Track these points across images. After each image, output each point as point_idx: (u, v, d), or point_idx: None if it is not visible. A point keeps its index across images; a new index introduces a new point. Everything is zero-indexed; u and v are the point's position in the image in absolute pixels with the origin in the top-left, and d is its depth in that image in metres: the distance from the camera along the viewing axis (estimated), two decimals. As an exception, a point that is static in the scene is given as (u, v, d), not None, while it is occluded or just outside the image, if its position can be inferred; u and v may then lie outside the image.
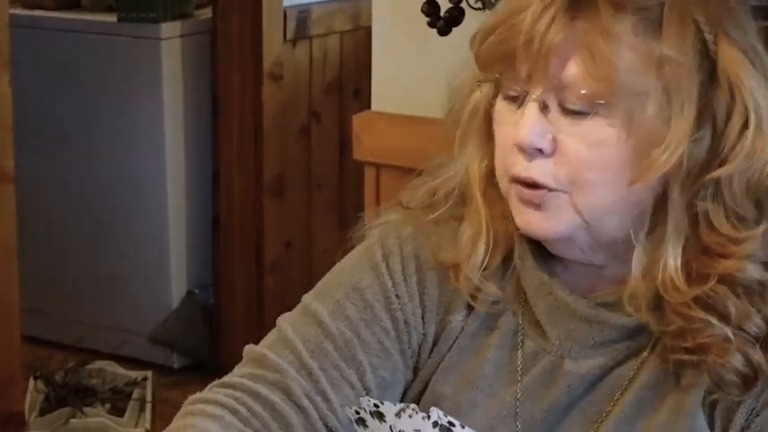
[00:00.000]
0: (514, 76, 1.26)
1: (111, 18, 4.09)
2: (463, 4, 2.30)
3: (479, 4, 2.20)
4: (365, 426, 1.22)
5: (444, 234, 1.38)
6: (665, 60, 1.23)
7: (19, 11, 4.02)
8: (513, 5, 1.26)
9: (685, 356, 1.25)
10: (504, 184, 1.30)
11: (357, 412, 1.23)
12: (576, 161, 1.24)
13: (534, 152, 1.25)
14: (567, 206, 1.26)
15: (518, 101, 1.27)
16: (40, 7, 4.23)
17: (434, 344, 1.38)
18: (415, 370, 1.39)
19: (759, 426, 1.24)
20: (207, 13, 4.09)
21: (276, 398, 1.34)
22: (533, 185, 1.26)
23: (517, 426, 1.33)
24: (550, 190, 1.26)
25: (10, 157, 3.33)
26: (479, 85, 1.33)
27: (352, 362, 1.36)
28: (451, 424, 1.18)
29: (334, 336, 1.37)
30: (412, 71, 2.57)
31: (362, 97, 2.83)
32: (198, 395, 1.38)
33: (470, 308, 1.37)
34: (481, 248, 1.35)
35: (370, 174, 2.61)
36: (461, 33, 2.29)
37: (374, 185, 2.60)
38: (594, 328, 1.31)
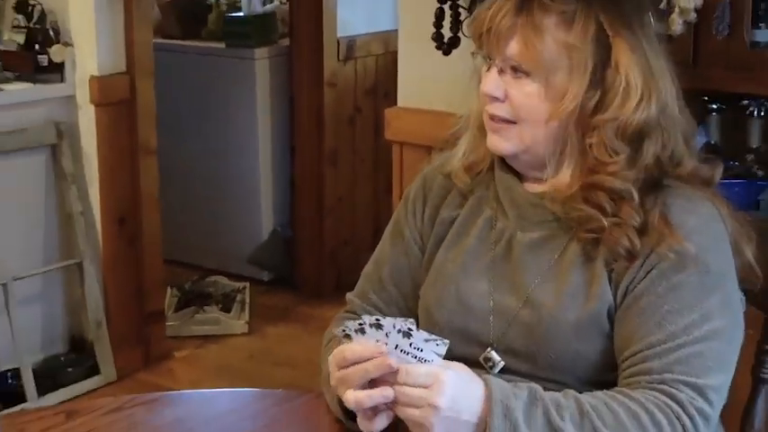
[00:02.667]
0: (484, 50, 1.34)
1: (221, 45, 4.10)
2: (459, 34, 2.29)
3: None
4: (350, 338, 1.22)
5: (452, 155, 1.46)
6: (571, 47, 1.29)
7: (159, 39, 4.02)
8: (485, 5, 1.35)
9: (589, 235, 1.30)
10: (485, 116, 1.37)
11: (344, 332, 1.22)
12: (516, 104, 1.32)
13: (494, 99, 1.32)
14: (515, 134, 1.33)
15: (488, 65, 1.35)
16: (173, 37, 4.23)
17: (431, 229, 1.46)
18: (422, 250, 1.47)
19: (639, 291, 1.27)
20: (286, 41, 4.07)
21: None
22: (497, 119, 1.34)
23: (491, 278, 1.37)
24: (506, 122, 1.33)
25: (153, 138, 3.36)
26: (473, 55, 1.39)
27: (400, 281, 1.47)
28: (409, 329, 1.18)
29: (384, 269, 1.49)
30: (425, 79, 2.57)
31: (391, 97, 2.82)
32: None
33: (462, 205, 1.43)
34: (463, 154, 1.43)
35: (396, 149, 2.63)
36: (459, 53, 2.27)
37: (399, 157, 2.62)
38: (537, 210, 1.36)
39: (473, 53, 1.38)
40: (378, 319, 1.18)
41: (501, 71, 1.32)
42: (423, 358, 1.17)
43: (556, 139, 1.32)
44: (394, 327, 1.17)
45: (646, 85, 1.30)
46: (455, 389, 1.16)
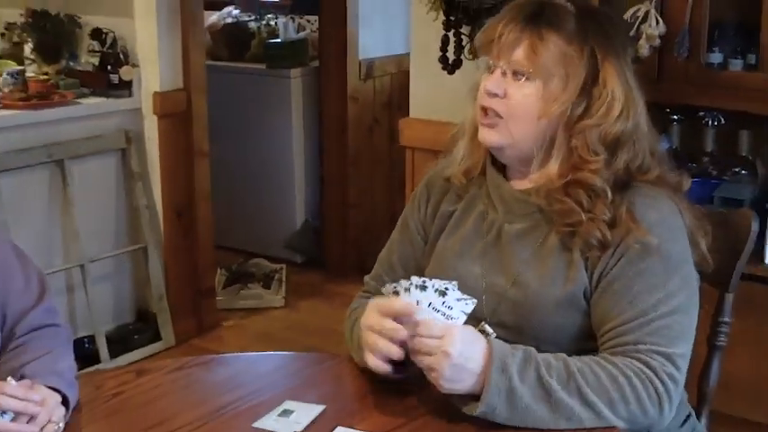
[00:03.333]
0: (491, 55, 1.33)
1: (262, 66, 4.08)
2: (462, 57, 2.29)
3: (471, 56, 2.19)
4: (398, 294, 1.23)
5: (451, 160, 1.45)
6: (568, 57, 1.29)
7: (210, 61, 4.00)
8: (495, 18, 1.34)
9: (566, 228, 1.29)
10: (479, 112, 1.35)
11: (394, 289, 1.24)
12: (514, 102, 1.31)
13: (494, 95, 1.31)
14: (505, 128, 1.32)
15: (491, 69, 1.33)
16: (222, 59, 4.22)
17: (432, 222, 1.45)
18: (425, 240, 1.47)
19: (612, 277, 1.27)
20: (316, 63, 4.06)
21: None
22: (490, 112, 1.32)
23: (483, 263, 1.37)
24: (499, 116, 1.31)
25: (206, 142, 3.37)
26: (477, 63, 1.40)
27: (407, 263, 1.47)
28: (446, 288, 1.19)
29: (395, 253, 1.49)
30: (433, 94, 2.57)
31: (404, 110, 2.82)
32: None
33: (458, 201, 1.43)
34: (461, 159, 1.42)
35: (408, 153, 2.64)
36: (461, 73, 2.28)
37: (411, 160, 2.63)
38: (521, 204, 1.35)
39: (475, 58, 1.38)
40: (424, 281, 1.21)
41: (503, 73, 1.31)
42: (450, 316, 1.19)
43: (543, 137, 1.32)
44: (433, 286, 1.20)
45: (626, 102, 1.30)
46: (463, 342, 1.19)
